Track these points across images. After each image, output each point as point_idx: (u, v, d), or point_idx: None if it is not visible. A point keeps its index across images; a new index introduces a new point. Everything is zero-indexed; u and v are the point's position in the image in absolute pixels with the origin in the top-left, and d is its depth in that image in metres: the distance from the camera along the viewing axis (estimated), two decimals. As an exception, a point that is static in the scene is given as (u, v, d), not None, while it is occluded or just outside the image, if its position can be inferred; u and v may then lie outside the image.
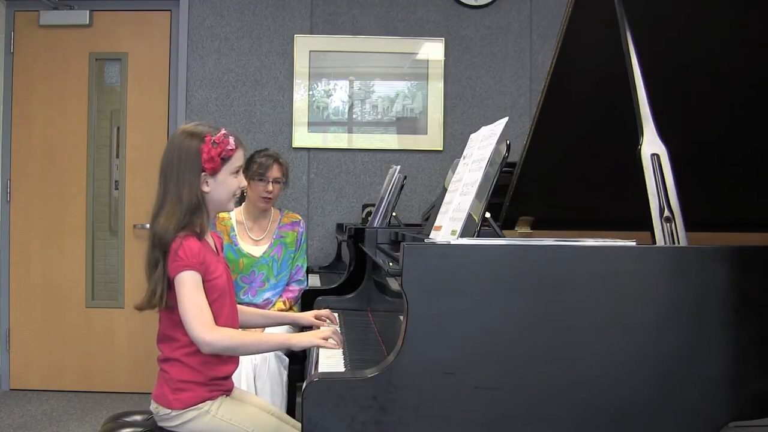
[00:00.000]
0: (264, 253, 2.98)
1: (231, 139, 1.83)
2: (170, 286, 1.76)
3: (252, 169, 2.90)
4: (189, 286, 1.74)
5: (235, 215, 3.02)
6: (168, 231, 1.76)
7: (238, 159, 1.86)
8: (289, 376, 2.79)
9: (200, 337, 1.72)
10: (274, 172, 2.94)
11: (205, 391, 1.79)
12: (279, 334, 1.84)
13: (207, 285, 1.78)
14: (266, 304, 2.98)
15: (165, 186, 1.81)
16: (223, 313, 1.82)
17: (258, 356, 2.57)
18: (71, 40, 4.16)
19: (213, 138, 1.79)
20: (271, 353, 2.64)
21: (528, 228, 1.98)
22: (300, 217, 3.13)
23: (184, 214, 1.78)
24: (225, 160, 1.81)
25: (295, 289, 3.04)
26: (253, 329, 2.64)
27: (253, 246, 3.00)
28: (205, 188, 1.81)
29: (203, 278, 1.77)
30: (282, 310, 2.95)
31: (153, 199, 1.86)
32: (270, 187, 2.93)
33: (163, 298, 1.75)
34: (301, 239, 3.08)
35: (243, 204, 3.05)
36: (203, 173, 1.80)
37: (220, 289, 1.82)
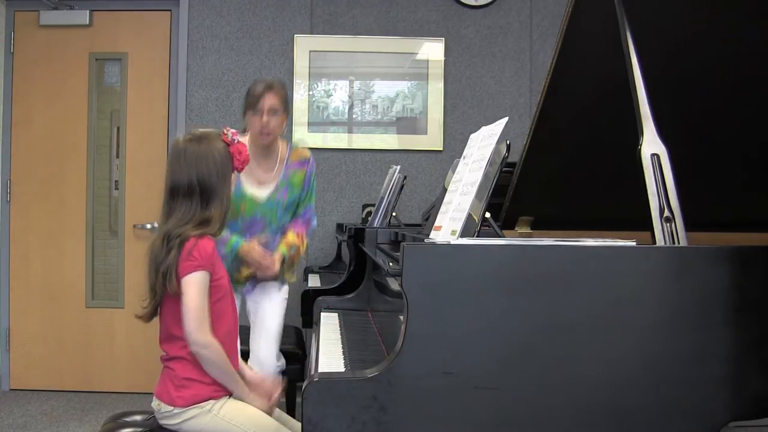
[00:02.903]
0: (269, 196, 2.65)
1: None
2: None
3: (247, 100, 2.64)
4: (198, 287, 1.75)
5: None
6: (201, 234, 1.78)
7: None
8: (287, 376, 2.77)
9: (197, 336, 1.73)
10: (268, 100, 2.58)
11: (209, 390, 1.79)
12: (243, 389, 1.86)
13: (212, 285, 1.79)
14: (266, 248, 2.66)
15: (204, 194, 1.80)
16: (227, 312, 1.83)
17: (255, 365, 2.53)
18: (71, 40, 4.16)
19: (234, 138, 1.88)
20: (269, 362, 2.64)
21: (528, 228, 1.98)
22: (309, 154, 2.78)
23: (226, 215, 1.84)
24: None
25: (305, 226, 2.76)
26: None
27: (258, 187, 2.65)
28: (232, 188, 1.89)
29: (210, 278, 1.78)
30: (292, 245, 2.67)
31: (157, 200, 1.88)
32: (265, 119, 2.58)
33: (175, 286, 1.75)
34: (310, 179, 2.75)
35: (246, 138, 2.69)
36: (233, 173, 1.88)
37: (224, 289, 1.83)
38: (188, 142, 1.85)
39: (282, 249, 2.64)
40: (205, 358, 1.76)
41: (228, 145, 1.86)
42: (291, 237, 2.67)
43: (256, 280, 2.71)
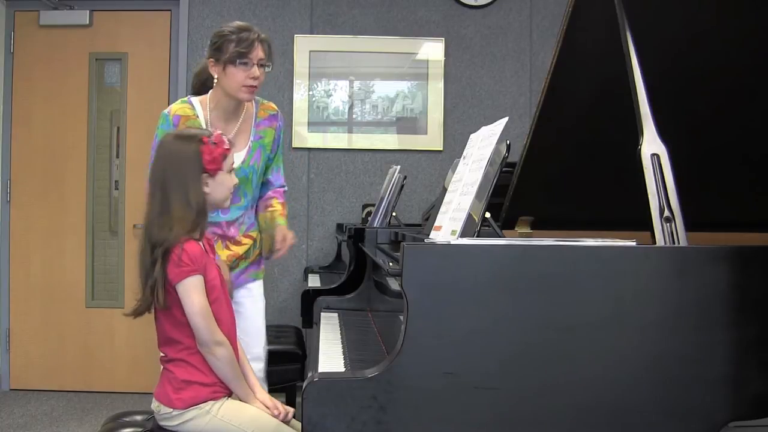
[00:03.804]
0: (243, 162, 2.33)
1: (225, 138, 1.87)
2: (167, 288, 1.77)
3: (227, 49, 2.23)
4: (196, 290, 1.76)
5: (203, 113, 2.34)
6: (177, 237, 1.76)
7: (231, 156, 1.90)
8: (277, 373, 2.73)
9: (208, 337, 1.75)
10: (259, 51, 2.27)
11: (207, 391, 1.79)
12: (247, 390, 1.85)
13: (206, 287, 1.79)
14: (239, 225, 2.39)
15: (164, 193, 1.80)
16: (222, 313, 1.83)
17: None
18: (71, 40, 4.16)
19: (211, 139, 1.81)
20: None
21: (528, 228, 1.98)
22: (276, 108, 2.48)
23: (195, 217, 1.79)
24: (224, 158, 1.85)
25: (281, 191, 2.52)
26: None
27: None
28: (206, 189, 1.83)
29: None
30: (286, 215, 2.44)
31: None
32: (256, 72, 2.26)
33: (162, 300, 1.75)
34: (279, 137, 2.46)
35: (209, 97, 2.36)
36: (204, 175, 1.81)
37: (218, 290, 1.83)
38: (168, 137, 1.89)
39: (282, 221, 2.39)
40: (219, 357, 1.76)
41: (204, 145, 1.81)
42: (279, 206, 2.43)
43: (238, 260, 2.42)
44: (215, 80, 2.30)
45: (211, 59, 2.28)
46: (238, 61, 2.23)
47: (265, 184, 2.49)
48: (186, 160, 1.80)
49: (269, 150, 2.42)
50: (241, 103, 2.36)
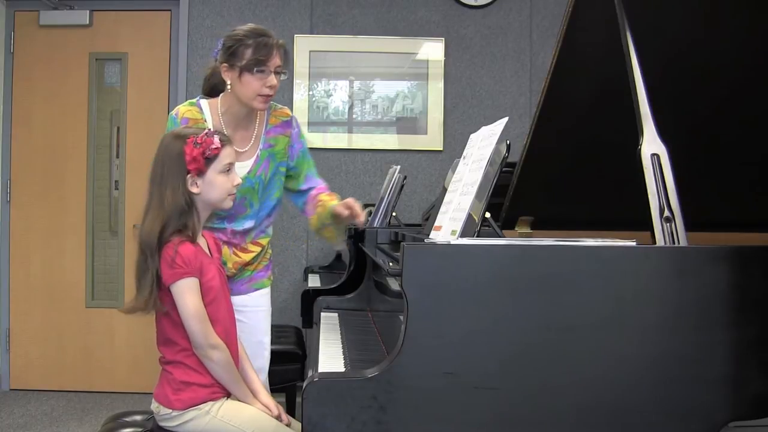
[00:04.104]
0: (249, 172, 2.20)
1: (215, 138, 1.81)
2: (161, 290, 1.77)
3: (244, 55, 2.09)
4: (191, 294, 1.75)
5: (212, 118, 2.20)
6: (152, 234, 1.76)
7: (227, 156, 1.84)
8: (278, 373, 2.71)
9: (203, 340, 1.74)
10: (277, 59, 2.14)
11: (206, 392, 1.79)
12: (246, 391, 1.84)
13: (202, 288, 1.78)
14: (246, 233, 2.28)
15: (150, 190, 1.81)
16: (219, 315, 1.82)
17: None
18: (71, 40, 4.16)
19: (195, 139, 1.80)
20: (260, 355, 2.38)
21: (528, 228, 1.98)
22: (290, 114, 2.33)
23: (169, 217, 1.77)
24: (210, 159, 1.80)
25: (324, 187, 2.39)
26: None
27: (236, 162, 2.09)
28: (195, 189, 1.81)
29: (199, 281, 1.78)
30: (326, 202, 2.26)
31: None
32: (274, 80, 2.13)
33: (155, 303, 1.75)
34: (301, 143, 2.32)
35: (219, 100, 2.23)
36: (189, 174, 1.79)
37: (215, 291, 1.82)
38: (167, 135, 1.89)
39: (336, 203, 2.23)
40: (215, 360, 1.76)
41: (187, 145, 1.79)
42: (328, 197, 2.29)
43: (244, 266, 2.33)
44: (228, 86, 2.16)
45: (225, 64, 2.13)
46: (255, 69, 2.09)
47: (300, 194, 2.37)
48: (170, 158, 1.80)
49: (281, 158, 2.27)
50: (254, 110, 2.22)
